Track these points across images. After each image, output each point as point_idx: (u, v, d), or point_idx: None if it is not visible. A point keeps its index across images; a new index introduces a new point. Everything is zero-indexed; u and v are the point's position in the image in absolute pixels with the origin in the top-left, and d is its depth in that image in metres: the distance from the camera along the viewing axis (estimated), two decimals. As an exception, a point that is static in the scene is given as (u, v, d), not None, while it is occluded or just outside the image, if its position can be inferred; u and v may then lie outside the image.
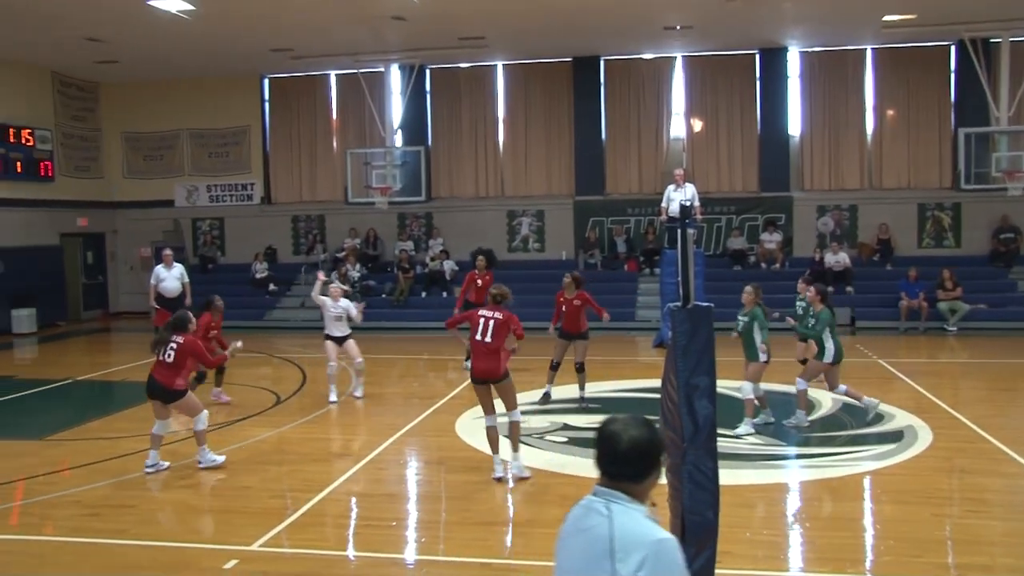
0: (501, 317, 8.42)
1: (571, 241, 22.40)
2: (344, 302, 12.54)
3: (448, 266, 21.65)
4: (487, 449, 9.39)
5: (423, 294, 21.42)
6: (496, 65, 22.67)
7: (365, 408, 11.79)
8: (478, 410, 11.27)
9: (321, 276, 13.04)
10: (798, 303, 12.57)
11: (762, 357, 10.05)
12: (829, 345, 10.07)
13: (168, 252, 17.56)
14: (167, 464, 8.85)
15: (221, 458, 8.93)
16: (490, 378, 8.37)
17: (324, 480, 8.34)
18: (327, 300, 12.46)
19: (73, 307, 23.26)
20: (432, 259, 21.93)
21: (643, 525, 2.65)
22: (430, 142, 22.91)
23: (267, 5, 16.33)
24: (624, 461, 2.71)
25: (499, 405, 8.51)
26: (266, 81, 23.74)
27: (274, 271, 22.81)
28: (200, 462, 8.83)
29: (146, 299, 17.91)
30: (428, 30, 18.41)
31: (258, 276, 22.55)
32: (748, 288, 10.55)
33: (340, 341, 12.44)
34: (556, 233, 22.53)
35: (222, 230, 24.28)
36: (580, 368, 11.69)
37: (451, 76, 22.89)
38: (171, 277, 16.93)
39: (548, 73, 22.49)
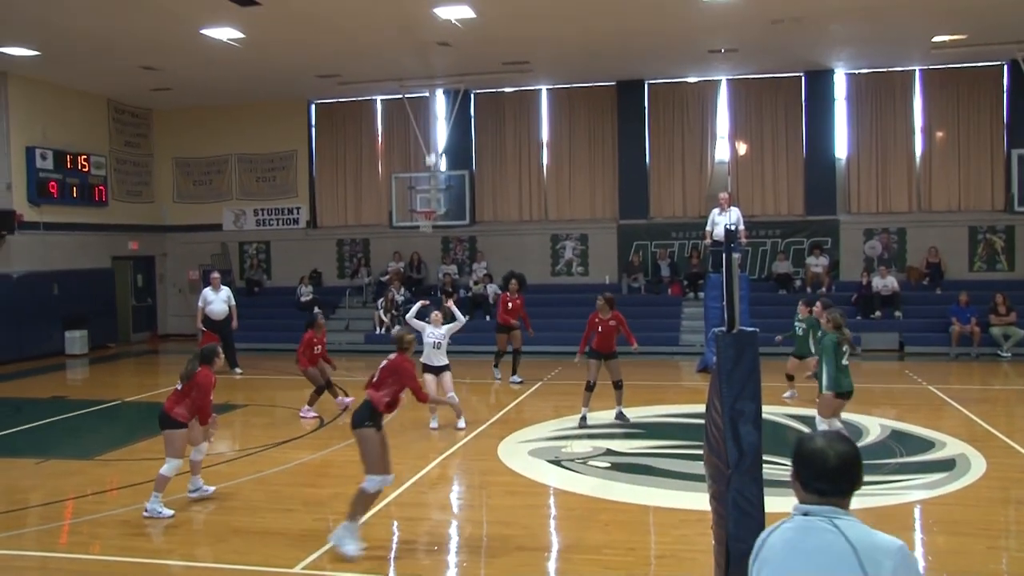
0: (393, 360, 7.40)
1: (615, 265, 22.33)
2: (445, 328, 11.96)
3: (491, 289, 21.68)
4: (529, 473, 9.38)
5: (466, 317, 21.40)
6: (540, 89, 22.78)
7: (407, 431, 11.81)
8: (521, 434, 11.33)
9: (423, 301, 12.44)
10: (796, 324, 12.82)
11: (825, 386, 9.20)
12: (823, 372, 9.30)
13: (216, 275, 17.87)
14: (212, 489, 8.84)
15: (168, 512, 8.08)
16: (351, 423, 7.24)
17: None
18: (426, 326, 11.91)
19: (123, 329, 23.69)
20: (475, 283, 22.00)
21: (878, 535, 2.68)
22: (474, 166, 23.05)
23: (315, 32, 16.63)
24: (835, 478, 2.73)
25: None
26: (313, 106, 24.11)
27: (319, 294, 23.03)
28: (146, 510, 8.07)
29: (193, 321, 18.23)
30: (473, 55, 18.58)
31: (303, 299, 22.77)
32: (819, 309, 11.01)
33: (438, 372, 11.86)
34: (600, 257, 22.48)
35: (268, 253, 24.61)
36: (619, 385, 11.74)
37: (495, 100, 23.05)
38: (218, 300, 17.22)
39: (592, 97, 22.54)
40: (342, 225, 24.12)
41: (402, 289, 22.04)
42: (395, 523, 8.03)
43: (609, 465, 9.78)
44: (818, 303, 11.97)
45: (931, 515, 8.04)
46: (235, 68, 19.23)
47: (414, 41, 17.31)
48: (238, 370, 17.49)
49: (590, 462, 9.91)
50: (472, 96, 22.96)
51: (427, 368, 11.83)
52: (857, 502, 8.41)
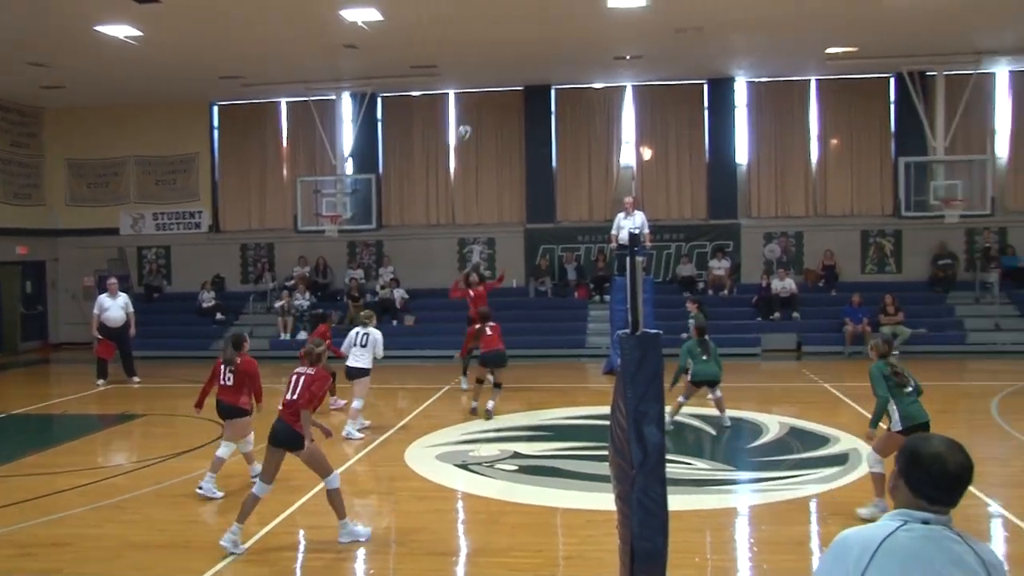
0: (312, 373, 7.47)
1: (522, 268, 22.45)
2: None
3: (398, 294, 21.56)
4: (437, 478, 9.36)
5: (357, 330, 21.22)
6: (448, 93, 22.75)
7: (316, 438, 11.61)
8: (428, 439, 11.29)
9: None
10: (691, 321, 13.29)
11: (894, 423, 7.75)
12: (691, 368, 11.15)
13: (113, 281, 17.31)
14: (221, 494, 8.78)
15: (220, 493, 8.79)
16: (285, 444, 7.31)
17: (272, 512, 8.18)
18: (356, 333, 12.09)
19: (10, 338, 22.69)
20: (382, 287, 21.84)
21: (990, 547, 2.64)
22: (381, 170, 22.87)
23: (217, 33, 16.26)
24: (951, 486, 2.62)
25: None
26: (215, 108, 23.55)
27: (222, 300, 22.51)
28: (200, 487, 8.80)
29: (88, 329, 17.61)
30: (380, 58, 18.44)
31: (205, 305, 22.23)
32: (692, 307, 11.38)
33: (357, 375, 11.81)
34: (507, 260, 22.57)
35: (168, 258, 23.92)
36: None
37: (403, 104, 22.93)
38: (116, 306, 16.69)
39: (499, 101, 22.63)
40: (246, 229, 23.63)
41: (307, 293, 21.72)
42: (301, 531, 7.91)
43: (516, 468, 9.82)
44: (690, 301, 12.82)
45: (826, 507, 8.33)
46: (133, 67, 18.62)
47: (320, 43, 17.09)
48: (136, 379, 16.96)
49: (497, 465, 9.94)
50: (379, 99, 22.78)
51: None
52: (758, 497, 8.60)
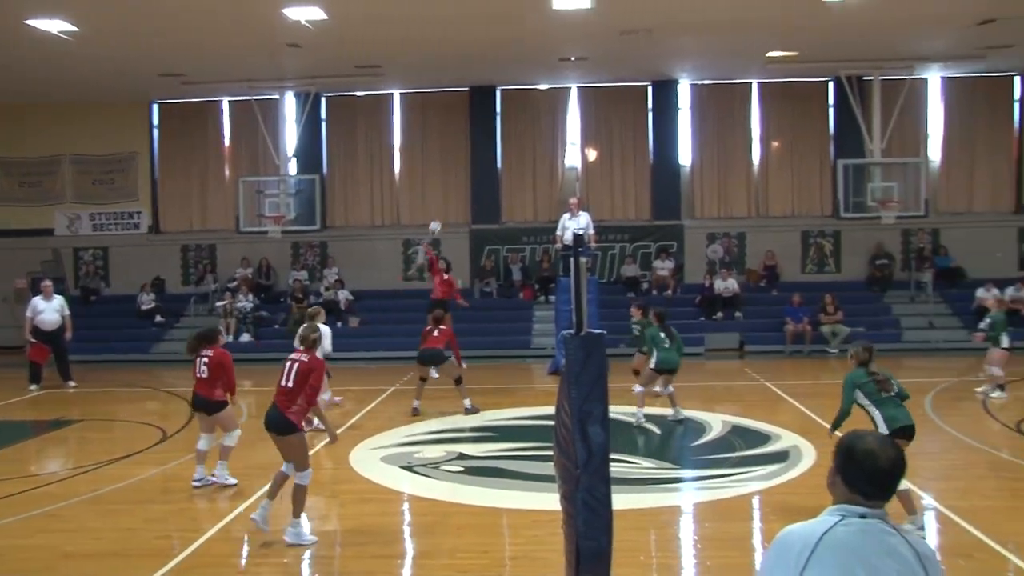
0: (306, 360, 7.55)
1: (467, 269, 22.41)
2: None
3: (343, 295, 21.37)
4: (382, 480, 9.30)
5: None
6: (393, 94, 22.63)
7: (257, 441, 11.47)
8: (372, 441, 11.21)
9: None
10: (633, 326, 13.40)
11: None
12: (653, 356, 11.74)
13: (47, 283, 16.89)
14: (214, 479, 9.04)
15: (234, 480, 9.10)
16: (274, 429, 7.44)
17: (214, 518, 8.07)
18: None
19: (-64, 342, 22.01)
20: (327, 288, 21.63)
21: (920, 539, 2.75)
22: (325, 170, 22.68)
23: (156, 30, 15.92)
24: (884, 482, 2.71)
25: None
26: (155, 106, 23.10)
27: (161, 302, 22.09)
28: (215, 475, 9.11)
29: (21, 332, 17.16)
30: (324, 57, 18.28)
31: (144, 307, 21.81)
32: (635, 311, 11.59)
33: None
34: (452, 261, 22.43)
35: (106, 260, 23.40)
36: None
37: (347, 104, 22.75)
38: (50, 309, 16.27)
39: (444, 102, 22.57)
40: (187, 230, 23.22)
41: (250, 295, 21.43)
42: (244, 536, 7.79)
43: (462, 469, 9.80)
44: (634, 305, 13.28)
45: (768, 504, 8.45)
46: (68, 63, 18.15)
47: (263, 42, 16.85)
48: (71, 383, 16.53)
49: (442, 467, 9.90)
50: (323, 99, 22.57)
51: None
52: (702, 495, 8.68)
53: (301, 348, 7.71)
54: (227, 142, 23.18)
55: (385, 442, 11.16)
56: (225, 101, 22.86)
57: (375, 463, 10.08)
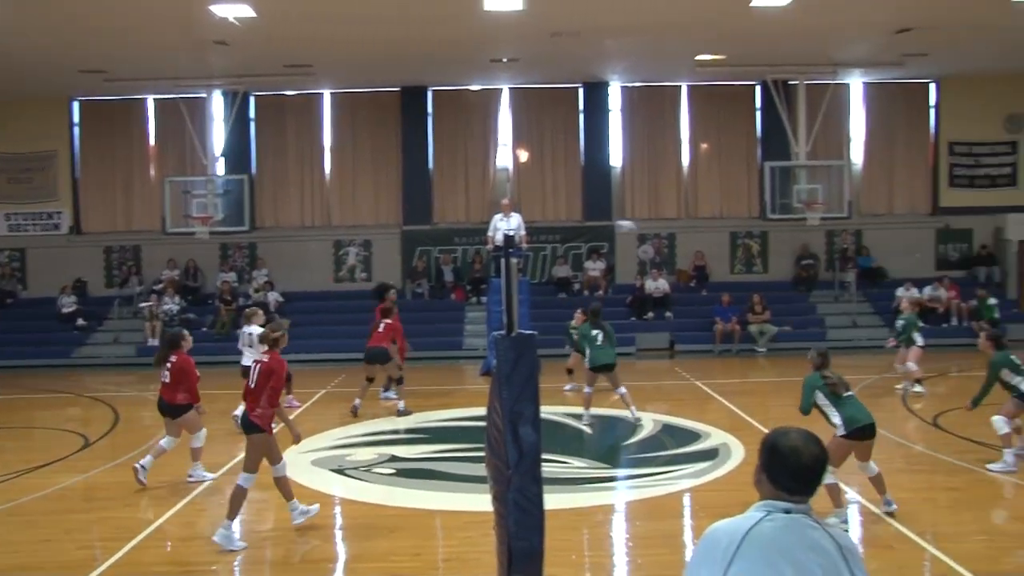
0: (267, 361, 7.67)
1: (398, 270, 22.28)
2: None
3: (272, 297, 21.05)
4: (313, 484, 9.19)
5: (242, 328, 20.70)
6: (323, 93, 22.39)
7: (183, 448, 11.24)
8: (303, 444, 11.02)
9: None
10: (571, 331, 13.52)
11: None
12: (587, 355, 11.87)
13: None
14: (213, 476, 9.44)
15: (212, 475, 9.37)
16: (242, 428, 7.72)
17: (137, 526, 7.87)
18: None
19: None
20: (256, 290, 21.29)
21: (843, 532, 2.82)
22: (254, 170, 22.31)
23: (76, 24, 15.46)
24: (806, 477, 2.76)
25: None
26: (76, 104, 22.45)
27: (83, 305, 21.47)
28: (191, 475, 9.35)
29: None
30: (252, 56, 17.99)
31: (65, 311, 21.18)
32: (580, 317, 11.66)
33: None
34: (383, 263, 22.38)
35: (23, 261, 22.63)
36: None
37: (276, 104, 22.42)
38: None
39: (376, 102, 22.41)
40: (110, 231, 22.60)
41: (176, 297, 20.98)
42: (169, 544, 7.62)
43: (394, 472, 9.75)
44: (579, 311, 13.11)
45: (698, 501, 8.58)
46: (-18, 59, 17.56)
47: (189, 39, 16.48)
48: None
49: (374, 469, 9.83)
50: (252, 98, 22.21)
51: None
52: (633, 493, 8.76)
53: (264, 349, 7.90)
54: (152, 141, 22.64)
55: (316, 445, 11.03)
56: (150, 99, 22.33)
57: (306, 467, 9.95)
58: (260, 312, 12.85)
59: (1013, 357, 9.42)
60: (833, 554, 2.68)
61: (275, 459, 7.65)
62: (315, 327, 20.12)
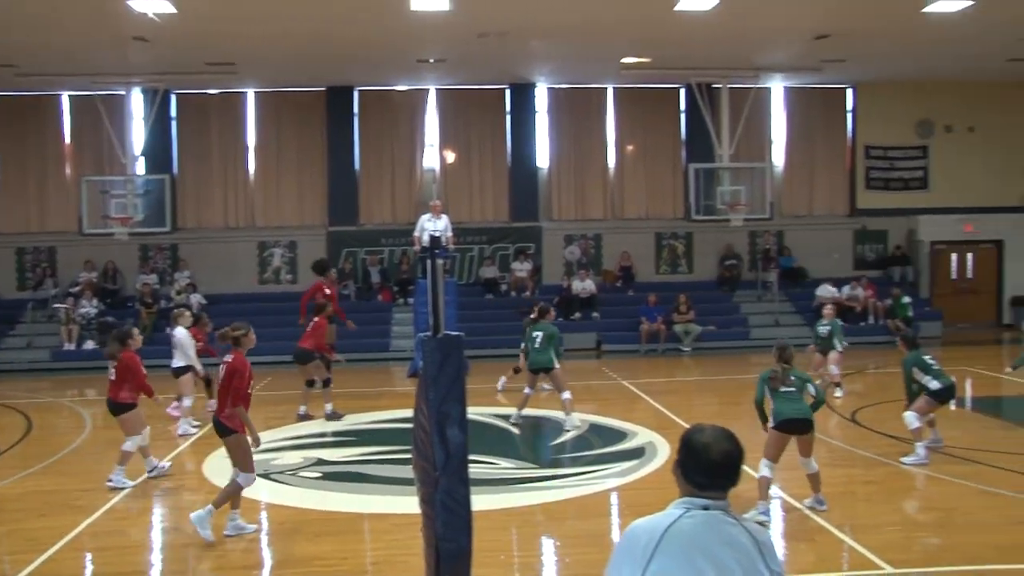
0: (230, 361, 7.78)
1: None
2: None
3: (195, 299, 20.60)
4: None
5: (168, 329, 20.24)
6: (247, 92, 22.02)
7: (102, 453, 10.94)
8: (224, 450, 10.83)
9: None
10: (535, 334, 13.50)
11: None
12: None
13: None
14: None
15: (131, 483, 9.18)
16: (217, 431, 7.76)
17: (52, 537, 7.61)
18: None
19: None
20: (178, 292, 20.83)
21: (759, 527, 2.87)
22: (176, 170, 21.83)
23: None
24: (715, 473, 2.81)
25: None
26: (-16, 100, 21.67)
27: (-5, 308, 20.74)
28: (111, 480, 9.14)
29: None
30: (173, 53, 17.60)
31: (-24, 314, 20.42)
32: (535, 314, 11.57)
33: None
34: (309, 264, 22.00)
35: (-70, 264, 21.77)
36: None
37: (199, 102, 21.97)
38: None
39: (301, 102, 22.13)
40: (23, 232, 21.84)
41: (95, 300, 20.40)
42: (88, 555, 7.41)
43: (320, 475, 9.64)
44: (536, 308, 12.77)
45: (625, 500, 8.68)
46: None
47: (106, 34, 16.05)
48: None
49: (300, 473, 9.71)
50: (173, 97, 21.72)
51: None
52: (561, 493, 8.82)
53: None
54: (68, 139, 21.98)
55: (240, 450, 10.82)
56: (65, 96, 21.68)
57: (230, 472, 9.74)
58: (187, 313, 12.73)
59: (925, 357, 9.75)
60: (749, 548, 2.74)
61: (244, 467, 7.67)
62: (239, 330, 19.72)
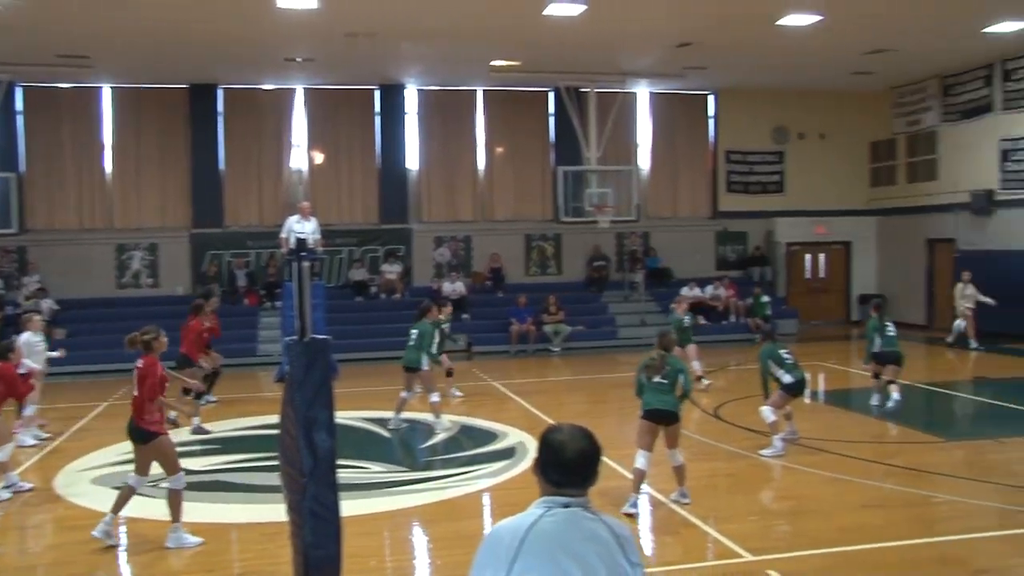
0: (141, 366, 7.72)
1: (188, 275, 21.31)
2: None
3: (46, 304, 19.54)
4: (93, 504, 8.64)
5: (15, 337, 19.12)
6: (102, 87, 21.04)
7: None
8: (82, 461, 10.37)
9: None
10: (412, 331, 13.36)
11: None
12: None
13: None
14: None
15: (7, 496, 8.86)
16: (133, 439, 7.63)
17: None
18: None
19: None
20: (27, 298, 19.67)
21: (619, 521, 2.93)
22: (23, 168, 20.65)
23: None
24: (570, 470, 2.85)
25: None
26: None
27: None
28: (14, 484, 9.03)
29: None
30: (20, 44, 16.66)
31: None
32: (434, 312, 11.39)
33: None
34: (171, 267, 21.31)
35: None
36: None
37: (50, 96, 20.84)
38: None
39: (162, 99, 21.30)
40: None
41: (-67, 307, 19.09)
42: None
43: (184, 485, 9.27)
44: (433, 304, 12.77)
45: (497, 500, 8.73)
46: None
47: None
48: None
49: (162, 484, 9.31)
50: (19, 90, 20.55)
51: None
52: (433, 495, 8.80)
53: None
54: (-99, 134, 20.51)
55: (97, 462, 10.37)
56: None
57: (85, 486, 9.33)
58: (36, 318, 12.07)
59: (781, 351, 10.22)
60: (610, 542, 2.80)
61: (171, 468, 7.56)
62: (97, 336, 18.86)
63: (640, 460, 8.02)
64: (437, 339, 12.55)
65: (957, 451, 10.31)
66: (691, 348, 14.43)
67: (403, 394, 11.91)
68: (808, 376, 12.15)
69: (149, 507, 8.54)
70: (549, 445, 2.90)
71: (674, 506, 8.11)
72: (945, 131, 22.07)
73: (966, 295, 19.25)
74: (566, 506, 2.83)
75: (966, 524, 7.53)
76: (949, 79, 21.73)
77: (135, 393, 7.52)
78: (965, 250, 21.07)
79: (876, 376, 12.64)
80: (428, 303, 12.60)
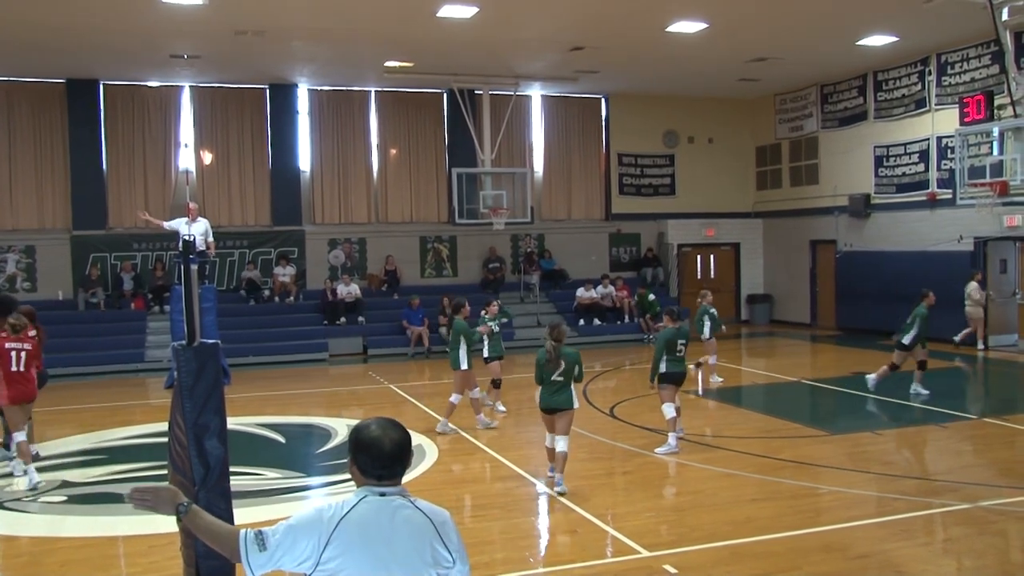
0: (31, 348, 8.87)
1: (69, 279, 20.42)
2: None
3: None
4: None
5: None
6: (-32, 81, 20.00)
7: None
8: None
9: None
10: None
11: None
12: None
13: None
14: None
15: None
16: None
17: None
18: None
19: None
20: None
21: (437, 508, 3.07)
22: None
23: None
24: (391, 463, 2.98)
25: None
26: None
27: None
28: None
29: None
30: None
31: None
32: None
33: None
34: (50, 271, 20.38)
35: None
36: None
37: (-90, 90, 19.70)
38: None
39: (36, 95, 20.34)
40: None
41: None
42: None
43: (65, 499, 8.90)
44: (465, 302, 12.55)
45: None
46: None
47: None
48: None
49: (42, 499, 8.92)
50: None
51: None
52: (330, 500, 8.61)
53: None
54: None
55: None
56: None
57: (-39, 500, 8.83)
58: None
59: (679, 340, 10.24)
60: (424, 527, 2.97)
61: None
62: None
63: (549, 440, 8.72)
64: (487, 340, 12.65)
65: (840, 443, 10.74)
66: (711, 343, 15.27)
67: (452, 398, 11.74)
68: (690, 370, 12.61)
69: (28, 523, 8.16)
70: (362, 441, 3.01)
71: (570, 504, 8.18)
72: (825, 137, 22.99)
73: (974, 298, 18.04)
74: (382, 494, 2.97)
75: (848, 513, 7.85)
76: (827, 88, 22.65)
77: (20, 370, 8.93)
78: (845, 251, 21.98)
79: (894, 368, 13.29)
80: (461, 300, 12.31)
